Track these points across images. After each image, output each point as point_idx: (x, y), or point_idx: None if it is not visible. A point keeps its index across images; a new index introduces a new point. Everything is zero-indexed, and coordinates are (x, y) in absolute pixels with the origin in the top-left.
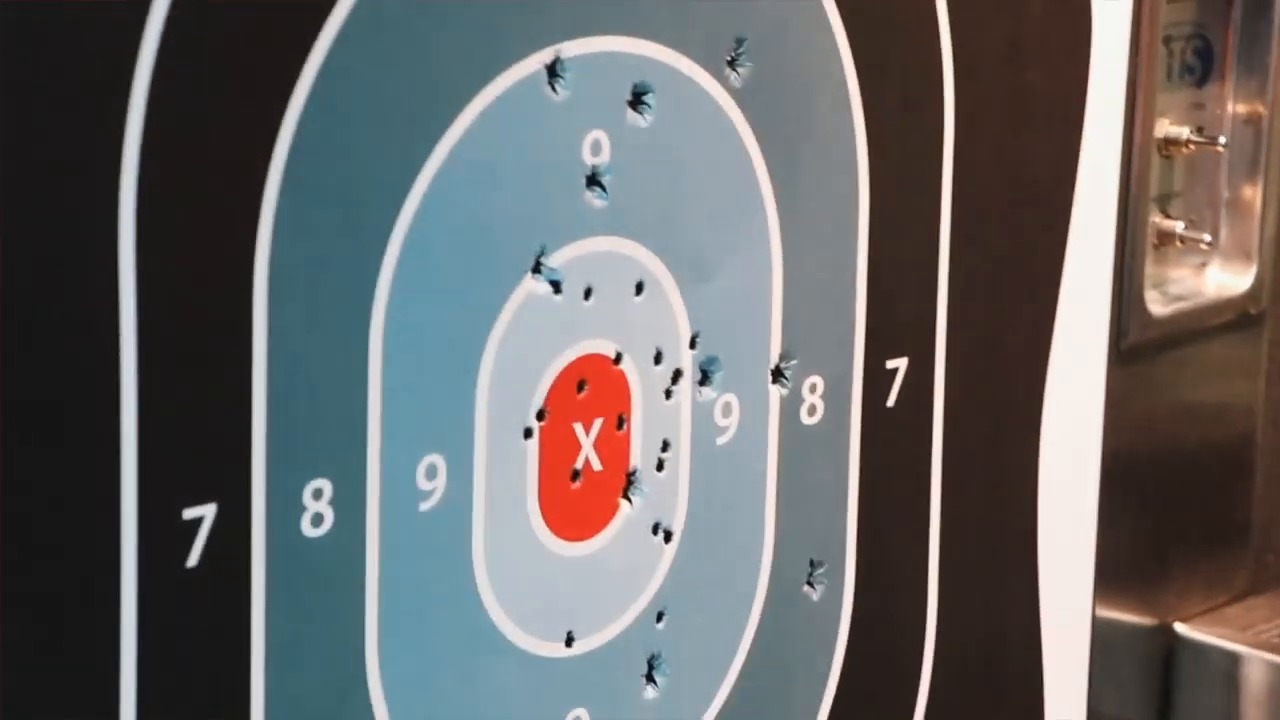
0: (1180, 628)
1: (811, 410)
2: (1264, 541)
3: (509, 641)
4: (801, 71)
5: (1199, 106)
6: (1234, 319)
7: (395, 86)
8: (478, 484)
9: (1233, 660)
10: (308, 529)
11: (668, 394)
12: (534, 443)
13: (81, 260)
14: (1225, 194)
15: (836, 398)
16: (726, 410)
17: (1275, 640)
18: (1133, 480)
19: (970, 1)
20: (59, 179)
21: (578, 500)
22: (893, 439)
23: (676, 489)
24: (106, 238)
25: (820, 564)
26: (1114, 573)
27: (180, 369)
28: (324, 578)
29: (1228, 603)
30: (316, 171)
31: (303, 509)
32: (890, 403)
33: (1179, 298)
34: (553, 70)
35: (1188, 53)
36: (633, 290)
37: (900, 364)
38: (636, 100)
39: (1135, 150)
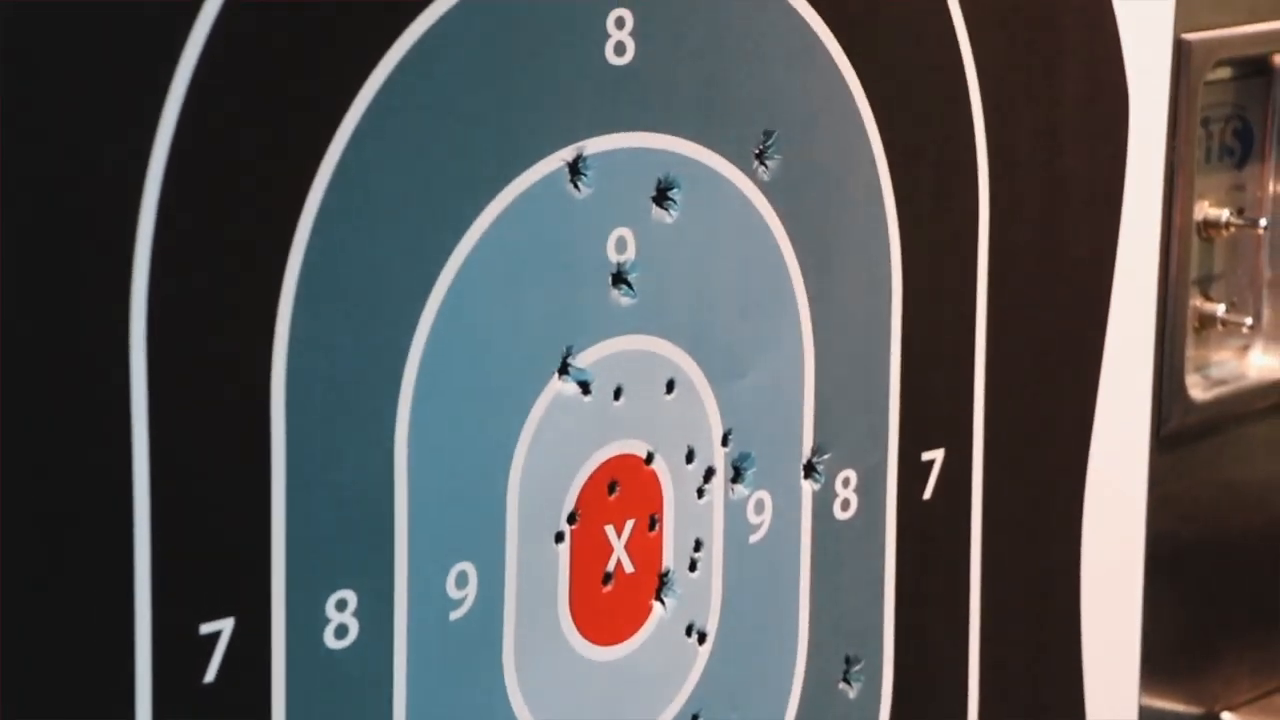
0: (1227, 717)
1: (845, 505)
2: None
3: None
4: (832, 163)
5: (1239, 188)
6: (1277, 402)
7: (412, 188)
8: (509, 591)
9: None
10: (331, 641)
11: (700, 493)
12: (565, 546)
13: (92, 372)
14: (1267, 275)
15: (871, 491)
16: (759, 507)
17: None
18: (1177, 566)
19: (1004, 87)
20: (69, 299)
21: (610, 603)
22: (930, 532)
23: (710, 589)
24: (118, 353)
25: (857, 660)
26: (1159, 661)
27: (195, 481)
28: (348, 690)
29: (1276, 690)
30: (333, 276)
31: (326, 620)
32: (927, 495)
33: (1220, 381)
34: (575, 167)
35: (1227, 134)
36: (663, 389)
37: (937, 455)
38: (662, 196)
39: (1175, 233)
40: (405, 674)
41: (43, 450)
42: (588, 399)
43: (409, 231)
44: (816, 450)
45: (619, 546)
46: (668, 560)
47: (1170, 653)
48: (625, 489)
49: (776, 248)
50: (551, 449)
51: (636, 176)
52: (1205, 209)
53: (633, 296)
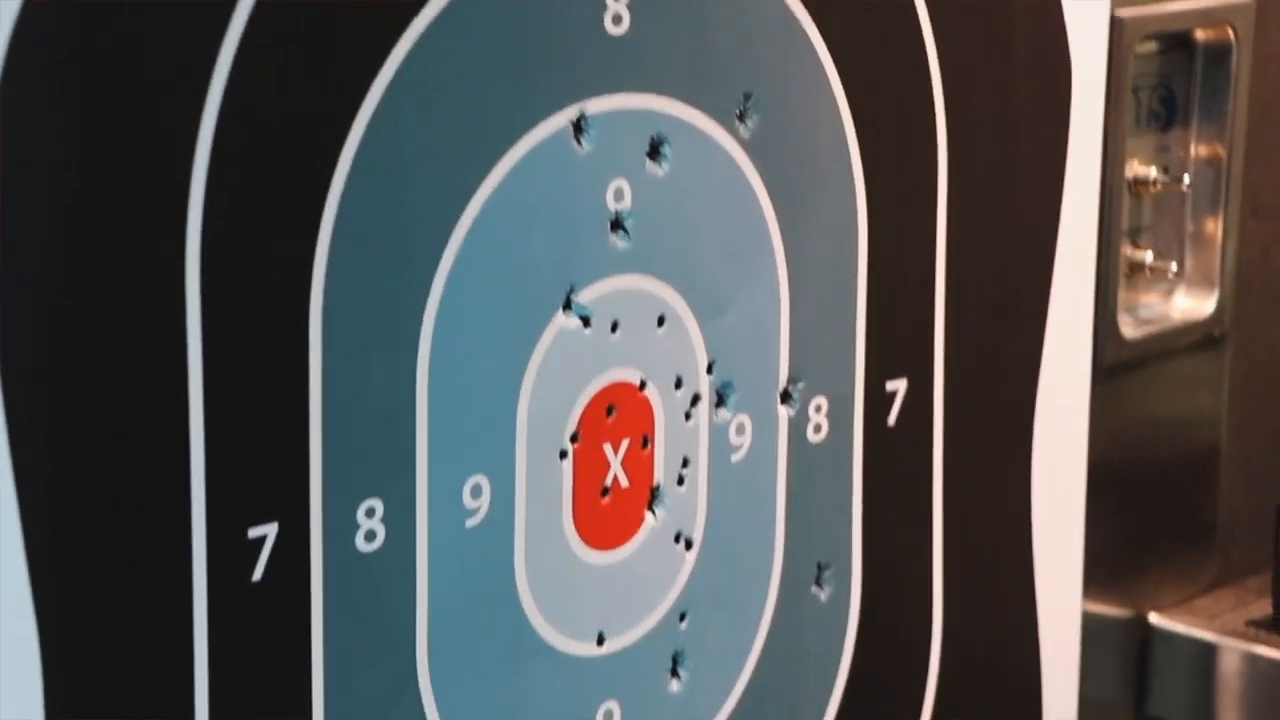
0: (1155, 618)
1: (818, 428)
2: (1228, 539)
3: (546, 643)
4: (805, 122)
5: (1164, 149)
6: (1199, 340)
7: (435, 142)
8: (518, 501)
9: (1202, 647)
10: (362, 544)
11: (687, 416)
12: (569, 463)
13: (150, 296)
14: (1189, 227)
15: (840, 417)
16: (740, 430)
17: (1240, 628)
18: (1112, 485)
19: (961, 54)
20: (134, 236)
21: (608, 513)
22: (894, 454)
23: (696, 502)
24: (173, 275)
25: (827, 566)
26: (1096, 569)
27: (243, 401)
28: (377, 589)
29: (1196, 594)
30: (365, 218)
31: (356, 526)
32: (891, 421)
33: (1148, 321)
34: (578, 125)
35: (1154, 101)
36: (655, 323)
37: (900, 385)
38: (654, 151)
39: (1109, 189)
40: (427, 575)
41: (110, 372)
42: (588, 332)
43: (432, 181)
44: (791, 379)
45: (616, 463)
46: (659, 475)
47: (1106, 563)
48: (621, 412)
49: (755, 197)
50: (556, 376)
51: (632, 134)
52: (1135, 168)
53: (628, 240)
